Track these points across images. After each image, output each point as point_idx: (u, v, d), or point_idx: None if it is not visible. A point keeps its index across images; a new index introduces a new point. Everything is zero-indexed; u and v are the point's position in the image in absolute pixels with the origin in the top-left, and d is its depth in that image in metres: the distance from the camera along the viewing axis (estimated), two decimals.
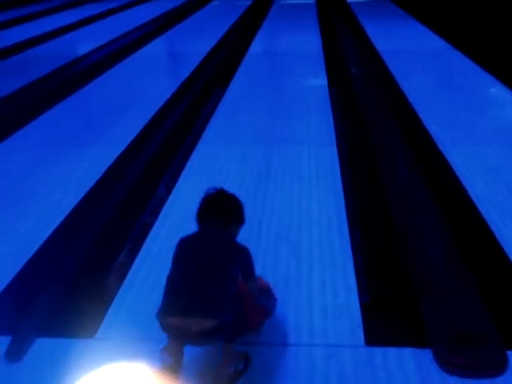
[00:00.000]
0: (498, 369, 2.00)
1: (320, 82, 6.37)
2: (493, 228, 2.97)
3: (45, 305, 2.49)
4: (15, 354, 2.18)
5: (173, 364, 1.88)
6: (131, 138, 4.62)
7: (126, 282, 2.63)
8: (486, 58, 6.87)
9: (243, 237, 2.90)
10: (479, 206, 3.20)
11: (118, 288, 2.57)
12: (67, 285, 2.66)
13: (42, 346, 2.23)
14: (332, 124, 4.87)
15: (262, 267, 2.67)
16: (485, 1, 10.82)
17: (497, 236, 2.90)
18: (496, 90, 5.77)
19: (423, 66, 7.06)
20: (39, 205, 3.47)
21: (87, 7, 14.19)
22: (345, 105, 5.46)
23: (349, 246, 2.85)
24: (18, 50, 8.59)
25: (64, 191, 3.65)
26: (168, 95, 5.83)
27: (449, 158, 3.95)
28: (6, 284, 2.66)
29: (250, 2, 14.23)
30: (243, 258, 1.93)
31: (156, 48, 8.90)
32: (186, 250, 1.93)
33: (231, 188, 3.53)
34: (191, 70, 6.94)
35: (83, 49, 8.96)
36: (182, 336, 1.81)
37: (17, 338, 2.25)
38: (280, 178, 3.76)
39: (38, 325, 2.35)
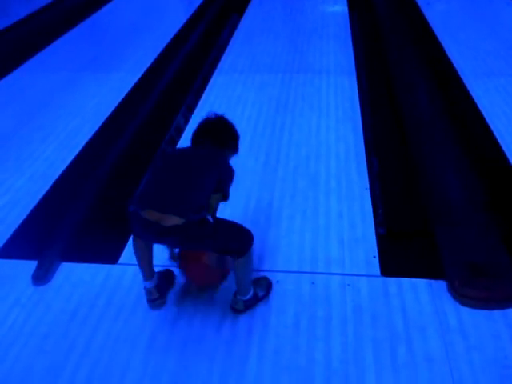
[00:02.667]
0: (509, 301, 2.06)
1: (340, 7, 6.15)
2: None
3: (69, 230, 2.56)
4: (42, 277, 2.27)
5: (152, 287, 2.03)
6: (147, 64, 4.55)
7: None
8: None
9: (262, 168, 2.96)
10: (500, 140, 3.16)
11: None
12: (90, 210, 2.72)
13: (67, 269, 2.33)
14: (352, 53, 4.74)
15: (280, 198, 2.72)
16: None
17: None
18: None
19: None
20: (60, 131, 3.50)
21: None
22: (365, 33, 5.29)
23: (366, 178, 2.86)
24: None
25: (82, 118, 3.66)
26: (184, 20, 5.69)
27: (470, 89, 3.87)
28: (32, 208, 2.73)
29: None
30: (221, 172, 1.93)
31: None
32: (168, 155, 1.98)
33: (248, 118, 3.58)
34: None
35: None
36: (148, 231, 1.84)
37: (43, 262, 2.34)
38: (298, 108, 3.72)
39: (63, 249, 2.44)
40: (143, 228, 1.85)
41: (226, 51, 4.80)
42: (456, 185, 2.82)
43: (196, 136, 2.01)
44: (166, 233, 1.80)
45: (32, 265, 2.33)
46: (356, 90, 3.97)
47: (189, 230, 1.80)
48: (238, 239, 1.92)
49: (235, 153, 2.09)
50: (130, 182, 2.92)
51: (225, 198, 2.03)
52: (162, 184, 1.87)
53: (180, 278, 2.22)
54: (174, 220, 1.78)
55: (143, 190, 1.89)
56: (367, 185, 2.79)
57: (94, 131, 3.47)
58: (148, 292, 2.05)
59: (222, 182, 1.94)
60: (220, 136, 2.00)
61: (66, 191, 2.88)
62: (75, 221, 2.61)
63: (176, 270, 2.22)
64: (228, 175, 1.97)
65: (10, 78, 4.46)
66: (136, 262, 2.02)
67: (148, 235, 1.88)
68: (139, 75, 4.35)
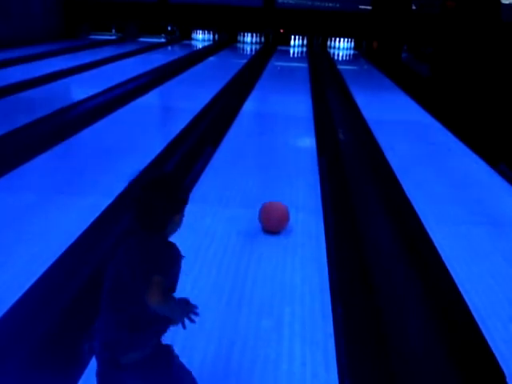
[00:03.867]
0: None
1: (309, 145, 6.50)
2: (478, 319, 2.96)
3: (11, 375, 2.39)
4: None
5: None
6: (119, 190, 4.60)
7: None
8: (469, 137, 7.08)
9: (224, 307, 2.89)
10: (463, 292, 3.21)
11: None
12: (40, 348, 2.57)
13: None
14: (319, 190, 4.92)
15: (243, 341, 2.63)
16: (473, 84, 11.27)
17: (483, 330, 2.88)
18: (479, 168, 5.91)
19: (409, 138, 7.25)
20: (21, 255, 3.41)
21: (83, 54, 14.43)
22: (332, 172, 5.54)
23: (331, 323, 2.82)
24: (10, 92, 8.62)
25: (46, 243, 3.60)
26: (159, 150, 5.87)
27: (432, 236, 3.99)
28: None
29: (245, 61, 14.64)
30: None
31: (150, 100, 9.02)
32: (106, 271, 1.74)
33: (215, 253, 3.57)
34: (183, 125, 7.03)
35: (77, 96, 9.06)
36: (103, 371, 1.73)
37: None
38: (265, 245, 3.75)
39: None
40: (100, 367, 1.72)
41: (198, 183, 4.91)
42: (420, 336, 2.80)
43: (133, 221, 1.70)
44: (123, 370, 1.67)
45: None
46: (322, 229, 4.06)
47: (145, 367, 1.68)
48: None
49: (183, 206, 1.75)
50: (84, 323, 2.80)
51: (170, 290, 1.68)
52: (98, 322, 1.74)
53: None
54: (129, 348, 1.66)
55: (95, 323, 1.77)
56: (331, 331, 2.74)
57: (53, 259, 3.38)
58: None
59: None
60: (151, 221, 1.66)
61: (17, 323, 2.74)
62: (19, 364, 2.45)
63: None
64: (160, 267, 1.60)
65: None
66: None
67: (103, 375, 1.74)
68: (110, 201, 4.36)
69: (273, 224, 3.91)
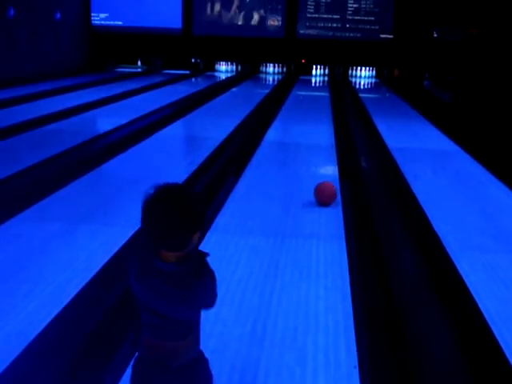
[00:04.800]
0: None
1: (331, 174, 6.50)
2: (504, 348, 2.89)
3: None
4: None
5: None
6: None
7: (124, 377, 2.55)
8: (496, 165, 6.99)
9: (247, 338, 2.88)
10: (490, 323, 3.14)
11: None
12: (65, 375, 2.59)
13: None
14: (342, 219, 4.90)
15: (265, 374, 2.61)
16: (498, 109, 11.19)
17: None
18: (506, 197, 5.82)
19: (433, 166, 7.21)
20: (48, 284, 3.46)
21: (110, 86, 14.80)
22: (354, 201, 5.52)
23: (355, 354, 2.78)
24: (39, 124, 8.87)
25: (73, 272, 3.65)
26: (183, 179, 5.95)
27: (457, 265, 3.93)
28: (6, 365, 2.60)
29: (267, 91, 14.83)
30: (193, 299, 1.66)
31: (175, 131, 9.19)
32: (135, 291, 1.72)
33: (238, 281, 3.58)
34: (206, 155, 7.12)
35: (104, 127, 9.28)
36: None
37: None
38: (288, 273, 3.74)
39: None
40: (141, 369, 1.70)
41: (221, 212, 4.95)
42: (449, 369, 2.74)
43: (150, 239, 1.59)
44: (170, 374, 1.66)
45: None
46: (345, 257, 4.04)
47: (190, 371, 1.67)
48: None
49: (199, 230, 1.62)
50: (108, 350, 2.82)
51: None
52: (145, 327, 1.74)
53: None
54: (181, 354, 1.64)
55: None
56: (356, 362, 2.71)
57: (80, 287, 3.43)
58: None
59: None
60: (176, 243, 1.56)
61: (41, 352, 2.77)
62: None
63: None
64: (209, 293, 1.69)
65: (4, 227, 4.49)
66: None
67: None
68: (135, 230, 4.42)
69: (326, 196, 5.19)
